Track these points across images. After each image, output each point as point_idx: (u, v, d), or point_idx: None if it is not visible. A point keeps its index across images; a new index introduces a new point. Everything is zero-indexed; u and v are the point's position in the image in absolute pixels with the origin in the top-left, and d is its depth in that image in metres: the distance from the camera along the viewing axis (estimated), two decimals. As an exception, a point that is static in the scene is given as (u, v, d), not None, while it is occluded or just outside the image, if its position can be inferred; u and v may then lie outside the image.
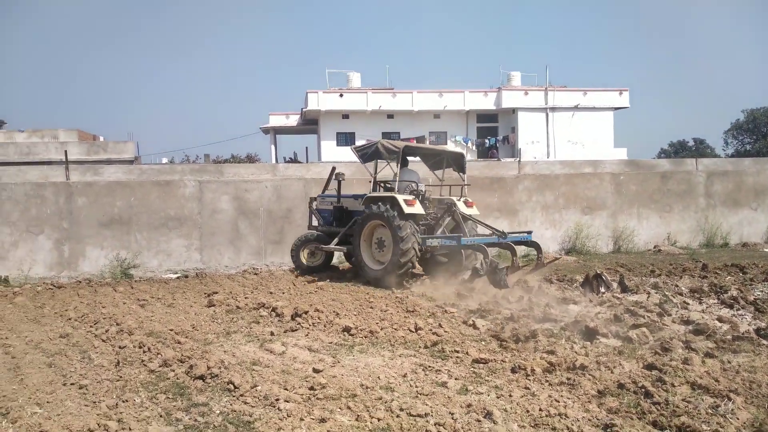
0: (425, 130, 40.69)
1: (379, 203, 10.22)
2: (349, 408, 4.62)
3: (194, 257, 13.39)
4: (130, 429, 4.28)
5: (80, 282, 12.13)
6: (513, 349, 6.25)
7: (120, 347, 6.51)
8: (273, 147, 44.57)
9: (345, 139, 40.16)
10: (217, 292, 9.84)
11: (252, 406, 4.66)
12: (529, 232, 11.28)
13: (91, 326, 7.71)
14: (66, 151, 14.73)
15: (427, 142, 39.71)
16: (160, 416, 4.56)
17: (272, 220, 13.81)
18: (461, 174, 11.83)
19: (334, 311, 8.14)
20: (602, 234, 15.56)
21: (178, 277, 12.51)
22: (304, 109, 40.57)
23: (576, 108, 39.97)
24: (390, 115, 40.70)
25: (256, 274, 12.64)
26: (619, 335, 6.59)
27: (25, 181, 12.67)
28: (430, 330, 7.05)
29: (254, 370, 5.62)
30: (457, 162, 11.84)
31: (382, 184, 11.20)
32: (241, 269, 13.25)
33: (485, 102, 40.64)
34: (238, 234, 13.62)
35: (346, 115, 40.27)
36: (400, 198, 10.05)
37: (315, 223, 12.44)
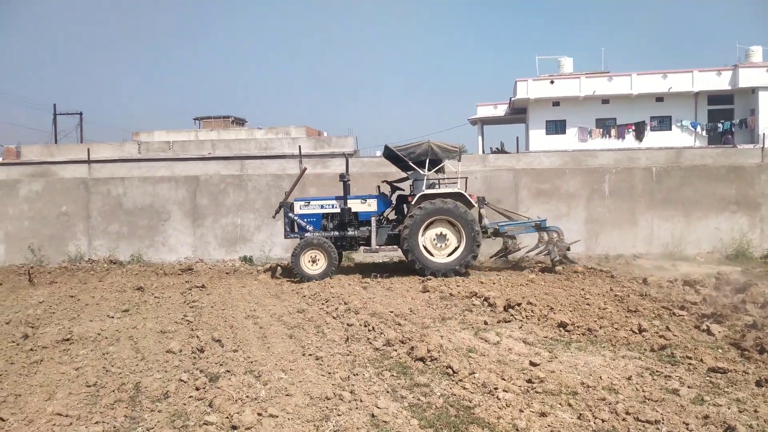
0: (645, 115, 37.59)
1: (441, 200, 10.77)
2: (570, 405, 4.53)
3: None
4: (361, 400, 4.67)
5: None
6: (757, 360, 5.56)
7: (348, 324, 7.12)
8: (480, 138, 44.67)
9: (555, 127, 38.79)
10: (430, 279, 10.23)
11: (471, 392, 4.79)
12: (544, 219, 11.97)
13: (322, 304, 8.54)
14: (300, 146, 16.41)
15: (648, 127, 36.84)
16: (387, 392, 4.91)
17: (482, 210, 13.87)
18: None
19: (547, 305, 7.97)
20: None
21: (395, 263, 13.23)
22: (512, 99, 39.97)
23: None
24: (605, 101, 38.30)
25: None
26: None
27: (266, 173, 14.38)
28: (656, 332, 6.56)
29: (470, 357, 5.76)
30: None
31: (398, 186, 11.98)
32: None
33: (718, 82, 36.14)
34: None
35: (556, 103, 38.81)
36: (467, 194, 10.90)
37: (295, 230, 11.61)
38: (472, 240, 10.69)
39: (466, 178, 12.13)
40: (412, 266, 10.93)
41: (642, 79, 37.19)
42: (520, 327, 7.09)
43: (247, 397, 4.76)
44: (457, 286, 9.61)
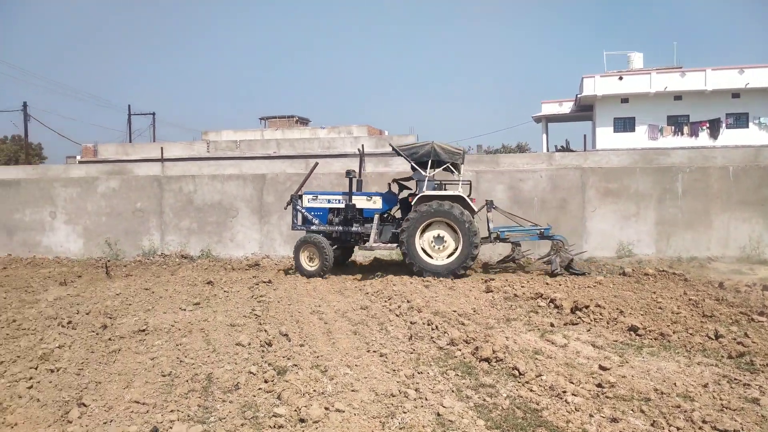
0: (720, 111, 35.94)
1: (439, 202, 10.61)
2: (642, 412, 4.38)
3: (470, 244, 13.91)
4: (426, 399, 4.67)
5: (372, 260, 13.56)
6: None
7: (411, 323, 7.13)
8: (544, 136, 43.81)
9: (623, 124, 37.58)
10: (494, 279, 10.11)
11: (538, 395, 4.72)
12: (549, 227, 11.66)
13: (385, 301, 8.59)
14: (363, 145, 16.49)
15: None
16: (452, 391, 4.89)
17: (546, 209, 13.61)
18: (457, 173, 11.75)
19: (617, 308, 7.73)
20: None
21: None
22: (578, 95, 38.98)
23: None
24: (677, 97, 36.82)
25: (529, 263, 12.66)
26: None
27: (329, 172, 14.58)
28: (734, 339, 6.26)
29: (537, 359, 5.66)
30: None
31: (405, 185, 11.92)
32: (515, 258, 13.37)
33: (800, 76, 34.13)
34: (512, 223, 13.74)
35: (625, 99, 37.59)
36: (468, 197, 10.80)
37: (300, 222, 11.94)
38: (470, 244, 10.50)
39: (470, 182, 12.28)
40: (410, 267, 10.82)
41: (717, 74, 35.57)
42: (589, 330, 6.91)
43: (314, 391, 4.84)
44: (522, 286, 9.46)
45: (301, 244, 11.32)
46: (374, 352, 6.02)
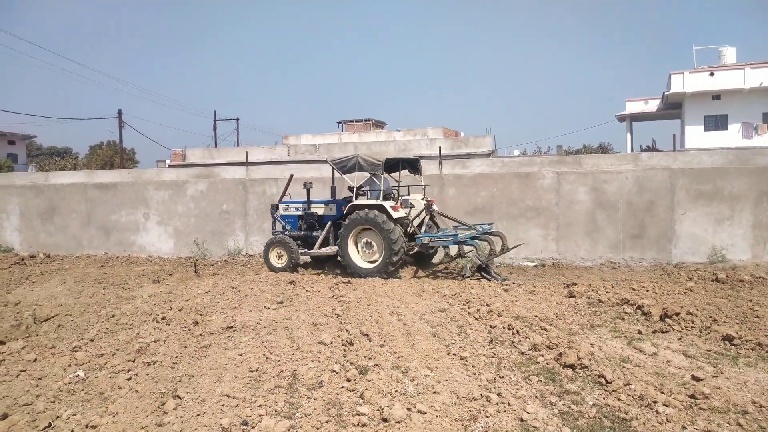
0: (825, 107, 33.31)
1: (366, 210, 11.10)
2: (739, 425, 4.17)
3: (550, 247, 13.61)
4: (508, 404, 4.63)
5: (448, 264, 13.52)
6: None
7: (491, 326, 7.07)
8: (629, 135, 42.15)
9: (715, 122, 35.60)
10: (576, 284, 9.84)
11: (627, 404, 4.57)
12: (490, 224, 12.45)
13: (463, 304, 8.54)
14: (440, 147, 16.50)
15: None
16: (535, 397, 4.81)
17: (632, 212, 13.10)
18: (418, 176, 12.77)
19: (710, 316, 7.35)
20: None
21: (535, 266, 12.92)
22: (666, 93, 37.25)
23: None
24: (775, 93, 34.45)
25: (614, 268, 12.26)
26: None
27: (406, 174, 14.64)
28: None
29: (624, 368, 5.48)
30: (413, 166, 12.84)
31: (360, 191, 11.97)
32: (598, 262, 12.96)
33: None
34: (595, 226, 13.33)
35: (717, 96, 35.58)
36: (387, 205, 11.08)
37: (279, 228, 13.09)
38: (390, 249, 10.98)
39: (425, 186, 12.77)
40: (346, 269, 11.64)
41: (821, 67, 33.02)
42: (679, 338, 6.61)
43: (396, 391, 4.90)
44: (606, 292, 9.16)
45: (270, 245, 12.55)
46: (454, 354, 6.02)
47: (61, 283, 11.25)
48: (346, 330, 6.96)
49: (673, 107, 38.95)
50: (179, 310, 8.38)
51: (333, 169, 12.24)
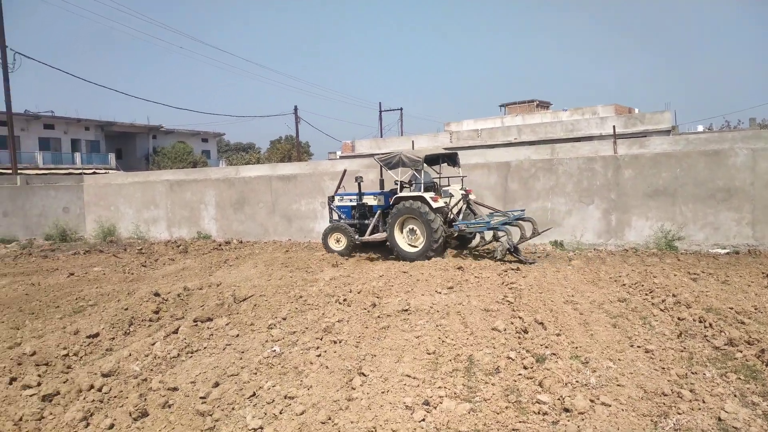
0: None
1: (411, 201, 12.18)
2: None
3: (745, 232, 12.27)
4: (703, 401, 4.32)
5: (626, 251, 12.78)
6: None
7: (679, 318, 6.59)
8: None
9: None
10: (778, 274, 8.81)
11: None
12: (522, 210, 13.40)
13: (645, 294, 8.05)
14: (614, 126, 15.58)
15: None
16: (734, 395, 4.45)
17: None
18: (457, 168, 13.81)
19: None
20: None
21: (727, 253, 11.75)
22: None
23: None
24: None
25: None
26: None
27: (578, 156, 14.05)
28: None
29: None
30: (452, 159, 13.78)
31: (405, 184, 13.19)
32: (806, 249, 11.43)
33: None
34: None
35: None
36: (428, 196, 12.05)
37: (335, 217, 14.54)
38: (431, 235, 12.03)
39: (463, 177, 13.70)
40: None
41: None
42: None
43: (577, 382, 4.80)
44: (818, 283, 8.09)
45: (329, 231, 14.05)
46: (638, 347, 5.73)
47: (253, 267, 12.45)
48: (520, 317, 6.91)
49: None
50: (358, 293, 8.88)
51: (380, 166, 13.27)
